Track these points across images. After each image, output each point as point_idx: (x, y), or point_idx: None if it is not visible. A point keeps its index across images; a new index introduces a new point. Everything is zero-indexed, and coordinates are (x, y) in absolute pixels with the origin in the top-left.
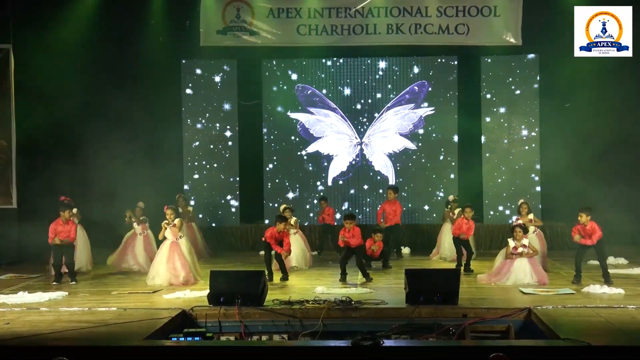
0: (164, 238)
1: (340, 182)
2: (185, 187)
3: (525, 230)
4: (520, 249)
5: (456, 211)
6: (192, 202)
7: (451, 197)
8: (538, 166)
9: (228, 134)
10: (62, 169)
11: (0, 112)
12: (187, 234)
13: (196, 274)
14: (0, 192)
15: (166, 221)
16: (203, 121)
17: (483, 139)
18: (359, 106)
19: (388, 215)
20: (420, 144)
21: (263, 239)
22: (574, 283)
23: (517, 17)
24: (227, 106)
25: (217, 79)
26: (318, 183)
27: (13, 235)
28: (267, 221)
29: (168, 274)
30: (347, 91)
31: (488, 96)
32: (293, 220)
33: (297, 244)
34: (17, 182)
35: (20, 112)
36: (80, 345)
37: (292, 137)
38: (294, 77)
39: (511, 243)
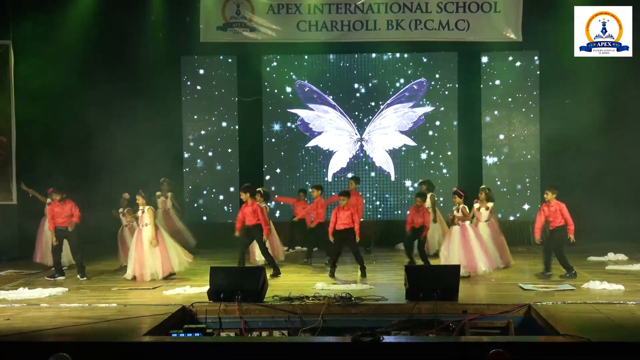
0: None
1: (341, 177)
2: (185, 182)
3: (459, 196)
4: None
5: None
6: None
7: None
8: (538, 162)
9: (228, 130)
10: (61, 165)
11: (0, 109)
12: (166, 222)
13: (165, 265)
14: (0, 188)
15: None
16: (203, 117)
17: (483, 135)
18: (358, 102)
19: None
20: (420, 141)
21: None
22: (542, 277)
23: (518, 13)
24: (227, 102)
25: (217, 75)
26: (318, 178)
27: (13, 231)
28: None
29: (138, 265)
30: (347, 87)
31: (488, 92)
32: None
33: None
34: (17, 178)
35: (20, 109)
36: (80, 341)
37: (292, 133)
38: (294, 73)
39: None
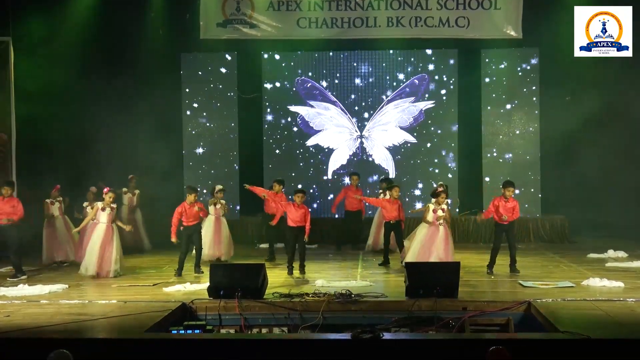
0: (91, 220)
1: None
2: (185, 179)
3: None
4: (439, 212)
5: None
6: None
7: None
8: (538, 159)
9: (228, 126)
10: (61, 162)
11: (0, 106)
12: (128, 220)
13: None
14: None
15: (103, 203)
16: (203, 114)
17: (483, 131)
18: (359, 99)
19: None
20: (420, 137)
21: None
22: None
23: (518, 10)
24: (227, 99)
25: (217, 71)
26: (318, 175)
27: (13, 228)
28: None
29: (100, 261)
30: (347, 84)
31: (488, 89)
32: (223, 202)
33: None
34: (17, 175)
35: (20, 105)
36: (80, 338)
37: (292, 130)
38: (294, 70)
39: (431, 206)
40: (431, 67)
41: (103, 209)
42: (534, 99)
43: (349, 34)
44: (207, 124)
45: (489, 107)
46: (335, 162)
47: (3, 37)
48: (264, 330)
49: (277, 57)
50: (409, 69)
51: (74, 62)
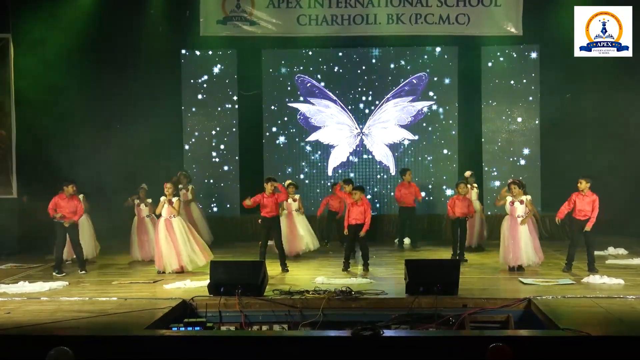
0: (158, 215)
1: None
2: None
3: (521, 186)
4: (516, 204)
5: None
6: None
7: (468, 173)
8: (538, 156)
9: (228, 123)
10: (61, 159)
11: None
12: (186, 214)
13: (200, 255)
14: (0, 182)
15: (165, 197)
16: (203, 111)
17: (483, 129)
18: (359, 96)
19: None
20: (420, 134)
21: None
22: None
23: (518, 7)
24: (227, 96)
25: (217, 69)
26: (319, 173)
27: (13, 225)
28: None
29: (169, 255)
30: (347, 81)
31: (488, 86)
32: (297, 197)
33: (302, 224)
34: (17, 172)
35: (20, 102)
36: (80, 335)
37: (292, 127)
38: (294, 67)
39: (509, 198)
40: (431, 64)
41: (170, 202)
42: (534, 95)
43: (349, 31)
44: (207, 121)
45: (488, 104)
46: (336, 159)
47: (3, 34)
48: (264, 328)
49: (277, 54)
50: (409, 67)
51: (74, 59)
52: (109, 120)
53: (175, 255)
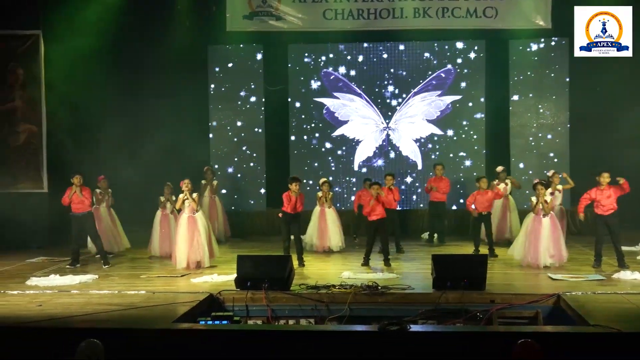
0: (179, 210)
1: (365, 169)
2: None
3: (546, 187)
4: (540, 206)
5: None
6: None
7: (499, 168)
8: (567, 150)
9: (254, 118)
10: (91, 153)
11: (30, 98)
12: (209, 207)
13: (214, 253)
14: (32, 177)
15: (184, 193)
16: (229, 106)
17: (511, 123)
18: (385, 91)
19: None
20: (447, 129)
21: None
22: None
23: (547, 0)
24: (253, 91)
25: (244, 63)
26: (345, 168)
27: (44, 219)
28: None
29: (190, 252)
30: (373, 76)
31: (516, 80)
32: (330, 195)
33: (333, 221)
34: (48, 167)
35: (50, 98)
36: (110, 328)
37: (319, 122)
38: (320, 61)
39: (533, 199)
40: (458, 58)
41: (187, 199)
42: (564, 89)
43: (375, 25)
44: (233, 116)
45: (517, 98)
46: (362, 154)
47: (33, 31)
48: (290, 322)
49: (303, 48)
50: (435, 61)
51: (103, 54)
52: (136, 115)
53: (195, 250)
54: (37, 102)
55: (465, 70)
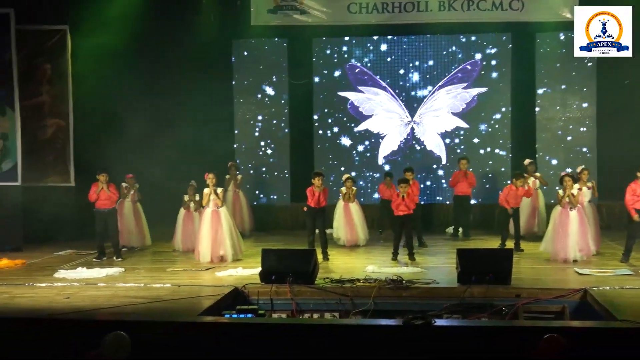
0: (199, 201)
1: (388, 165)
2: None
3: (574, 180)
4: (567, 199)
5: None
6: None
7: (527, 161)
8: (595, 144)
9: (278, 113)
10: (116, 148)
11: (58, 93)
12: (233, 202)
13: (238, 248)
14: (59, 171)
15: (209, 188)
16: (253, 100)
17: (537, 117)
18: (409, 85)
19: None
20: (473, 123)
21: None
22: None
23: None
24: (277, 85)
25: (268, 58)
26: (369, 161)
27: (71, 213)
28: None
29: (213, 246)
30: (397, 69)
31: (543, 73)
32: (354, 190)
33: (358, 215)
34: (76, 161)
35: (77, 92)
36: (136, 320)
37: (343, 116)
38: (344, 55)
39: (560, 192)
40: (484, 51)
41: (215, 192)
42: (591, 82)
43: (399, 18)
44: (258, 111)
45: (543, 92)
46: (386, 148)
47: (61, 26)
48: (315, 316)
49: (327, 43)
50: (460, 55)
51: (128, 49)
52: (160, 110)
53: (219, 245)
54: (64, 96)
55: (492, 63)
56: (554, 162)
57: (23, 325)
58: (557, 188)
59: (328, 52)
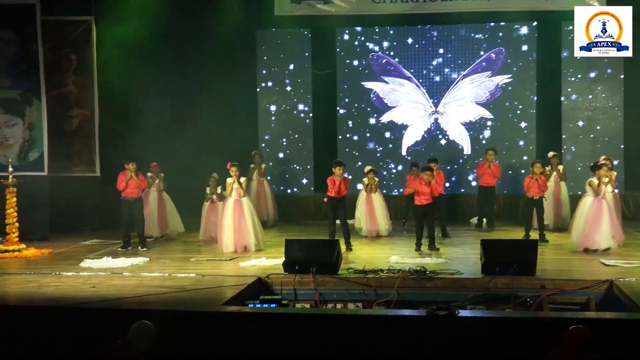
0: (221, 193)
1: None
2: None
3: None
4: (603, 187)
5: (560, 167)
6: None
7: (551, 154)
8: (622, 133)
9: (302, 103)
10: (140, 138)
11: (83, 83)
12: (257, 192)
13: (261, 238)
14: (85, 161)
15: (232, 178)
16: (277, 90)
17: (563, 107)
18: (433, 74)
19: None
20: (497, 112)
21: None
22: None
23: None
24: (301, 76)
25: (291, 48)
26: (392, 152)
27: (97, 202)
28: None
29: (237, 236)
30: (422, 59)
31: (569, 62)
32: (376, 181)
33: (380, 206)
34: (101, 151)
35: (102, 83)
36: (161, 309)
37: (367, 107)
38: (368, 45)
39: (595, 181)
40: (509, 40)
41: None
42: (618, 72)
43: (423, 8)
44: (281, 101)
45: (569, 81)
46: (410, 139)
47: (86, 17)
48: (338, 306)
49: (351, 33)
50: (485, 44)
51: (152, 39)
52: (185, 100)
53: (242, 235)
54: (90, 87)
55: (517, 52)
56: (579, 152)
57: (51, 314)
58: (574, 179)
59: (352, 42)
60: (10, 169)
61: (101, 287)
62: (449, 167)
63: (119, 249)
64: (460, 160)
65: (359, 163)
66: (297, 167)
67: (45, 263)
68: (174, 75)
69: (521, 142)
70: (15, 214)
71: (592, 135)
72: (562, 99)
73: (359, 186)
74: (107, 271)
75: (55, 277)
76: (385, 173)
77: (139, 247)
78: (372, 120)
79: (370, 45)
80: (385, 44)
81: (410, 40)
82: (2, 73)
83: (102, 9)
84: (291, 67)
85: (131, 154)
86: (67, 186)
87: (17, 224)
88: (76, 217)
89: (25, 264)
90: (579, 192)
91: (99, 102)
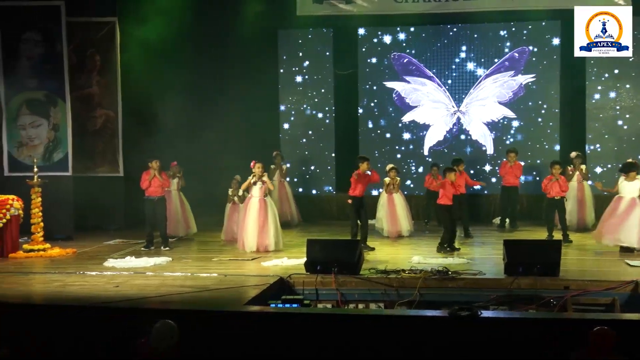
0: (243, 195)
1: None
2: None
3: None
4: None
5: (583, 167)
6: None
7: (573, 154)
8: None
9: (324, 103)
10: (162, 138)
11: (107, 84)
12: (278, 192)
13: (280, 238)
14: (108, 161)
15: (253, 176)
16: (299, 91)
17: (587, 106)
18: (456, 74)
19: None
20: (520, 112)
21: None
22: None
23: None
24: (323, 75)
25: (313, 48)
26: (414, 152)
27: (120, 202)
28: None
29: (260, 235)
30: (444, 59)
31: (593, 62)
32: (397, 181)
33: (402, 206)
34: (124, 151)
35: (125, 83)
36: (184, 309)
37: (388, 107)
38: (390, 45)
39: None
40: (532, 39)
41: (254, 183)
42: None
43: (446, 7)
44: (303, 101)
45: (594, 80)
46: (432, 139)
47: (110, 18)
48: (360, 306)
49: (372, 32)
50: (508, 43)
51: (174, 40)
52: (206, 100)
53: (265, 234)
54: (113, 87)
55: (540, 52)
56: (604, 152)
57: (75, 313)
58: (616, 176)
59: (374, 41)
60: (35, 169)
61: (124, 286)
62: (472, 168)
63: (142, 249)
64: (483, 160)
65: (379, 164)
66: (319, 167)
67: (70, 262)
68: (195, 76)
69: (545, 142)
70: (40, 213)
71: (617, 136)
72: (587, 97)
73: (374, 191)
74: (130, 271)
75: (80, 277)
76: (406, 174)
77: (162, 247)
78: (394, 121)
79: (392, 45)
80: (407, 43)
81: (432, 40)
82: (27, 74)
83: (125, 10)
84: (313, 66)
85: (154, 153)
86: (90, 186)
87: (42, 224)
88: (100, 217)
89: (50, 263)
90: (605, 194)
91: (123, 103)
